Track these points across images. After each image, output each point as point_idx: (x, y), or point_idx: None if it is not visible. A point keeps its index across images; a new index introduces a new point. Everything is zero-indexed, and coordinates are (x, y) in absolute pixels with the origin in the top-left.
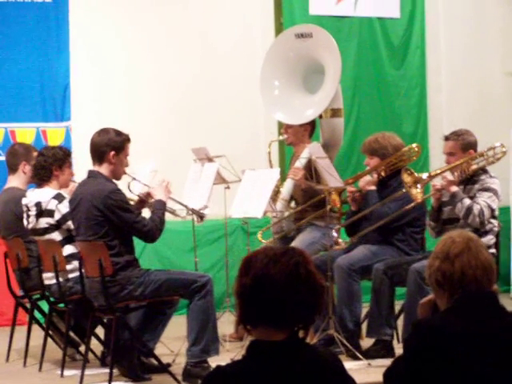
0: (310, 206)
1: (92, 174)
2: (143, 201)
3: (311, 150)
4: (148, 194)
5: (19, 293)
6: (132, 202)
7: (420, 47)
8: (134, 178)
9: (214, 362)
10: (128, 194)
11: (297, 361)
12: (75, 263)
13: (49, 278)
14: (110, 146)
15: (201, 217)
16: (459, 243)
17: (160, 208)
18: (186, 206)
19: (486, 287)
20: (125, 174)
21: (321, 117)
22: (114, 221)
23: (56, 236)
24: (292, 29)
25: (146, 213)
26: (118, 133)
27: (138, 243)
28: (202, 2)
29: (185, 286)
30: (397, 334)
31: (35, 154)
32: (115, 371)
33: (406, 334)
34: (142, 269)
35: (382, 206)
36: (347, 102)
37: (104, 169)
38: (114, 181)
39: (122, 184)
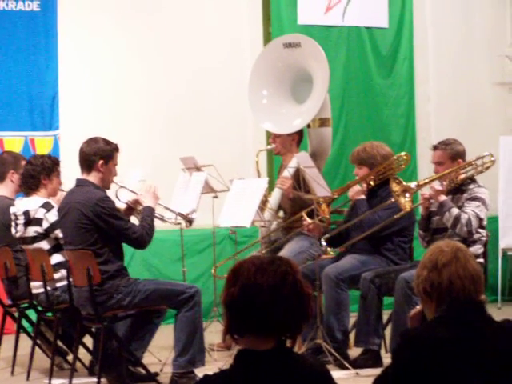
0: (298, 215)
1: (80, 183)
2: (131, 208)
3: (299, 160)
4: (136, 201)
5: (7, 302)
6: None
7: (408, 57)
8: (121, 186)
9: (201, 371)
10: (116, 203)
11: (284, 370)
12: (63, 272)
13: (37, 287)
14: (99, 155)
15: (189, 221)
16: (447, 253)
17: (149, 214)
18: (173, 211)
19: (473, 297)
20: (113, 182)
21: (309, 126)
22: (103, 228)
23: (44, 245)
24: (280, 38)
25: (134, 220)
26: (107, 142)
27: (126, 252)
28: (191, 11)
29: (173, 296)
30: (385, 343)
31: (23, 162)
32: (103, 380)
33: (394, 343)
34: (130, 278)
35: (371, 215)
36: (335, 112)
37: (92, 177)
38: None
39: (109, 192)
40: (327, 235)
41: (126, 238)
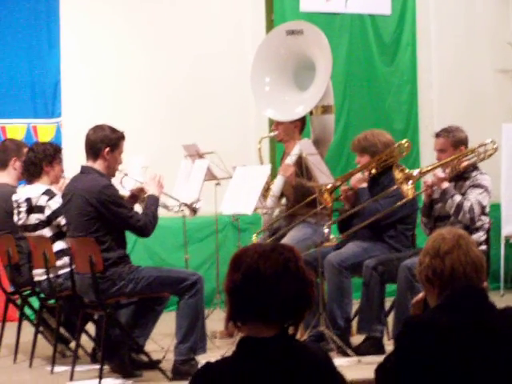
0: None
1: (85, 170)
2: (136, 196)
3: (302, 147)
4: (141, 190)
5: (9, 289)
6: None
7: (411, 44)
8: (126, 174)
9: (203, 358)
10: (120, 190)
11: (287, 357)
12: (65, 259)
13: (39, 274)
14: (105, 143)
15: (194, 210)
16: (449, 240)
17: (153, 203)
18: (178, 200)
19: (475, 284)
20: (118, 170)
21: (311, 113)
22: (107, 216)
23: (46, 232)
24: (283, 25)
25: (137, 208)
26: (114, 130)
27: (128, 239)
28: None
29: (175, 283)
30: (387, 330)
31: (26, 150)
32: (105, 367)
33: (397, 330)
34: (132, 265)
35: (374, 203)
36: (338, 99)
37: (98, 165)
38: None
39: (114, 180)
40: (330, 222)
41: (130, 227)
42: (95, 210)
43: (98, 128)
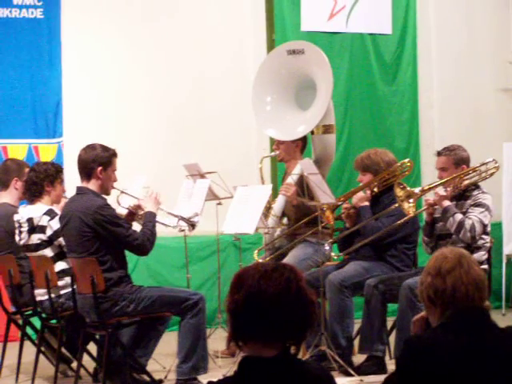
0: (302, 222)
1: (80, 190)
2: (133, 213)
3: (303, 166)
4: (138, 206)
5: (11, 309)
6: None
7: (412, 63)
8: (122, 191)
9: (205, 378)
10: (117, 208)
11: (288, 377)
12: (67, 279)
13: (41, 295)
14: (98, 162)
15: (192, 225)
16: (451, 259)
17: (150, 220)
18: (175, 215)
19: (477, 303)
20: (113, 188)
21: (313, 133)
22: (104, 236)
23: (48, 252)
24: (284, 45)
25: (136, 226)
26: (105, 148)
27: (130, 259)
28: (195, 18)
29: (177, 303)
30: (389, 350)
31: (27, 170)
32: None
33: (398, 350)
34: (134, 285)
35: (375, 222)
36: (339, 118)
37: (92, 185)
38: (104, 196)
39: (111, 198)
40: (331, 240)
41: (128, 245)
42: (93, 230)
43: (89, 148)
